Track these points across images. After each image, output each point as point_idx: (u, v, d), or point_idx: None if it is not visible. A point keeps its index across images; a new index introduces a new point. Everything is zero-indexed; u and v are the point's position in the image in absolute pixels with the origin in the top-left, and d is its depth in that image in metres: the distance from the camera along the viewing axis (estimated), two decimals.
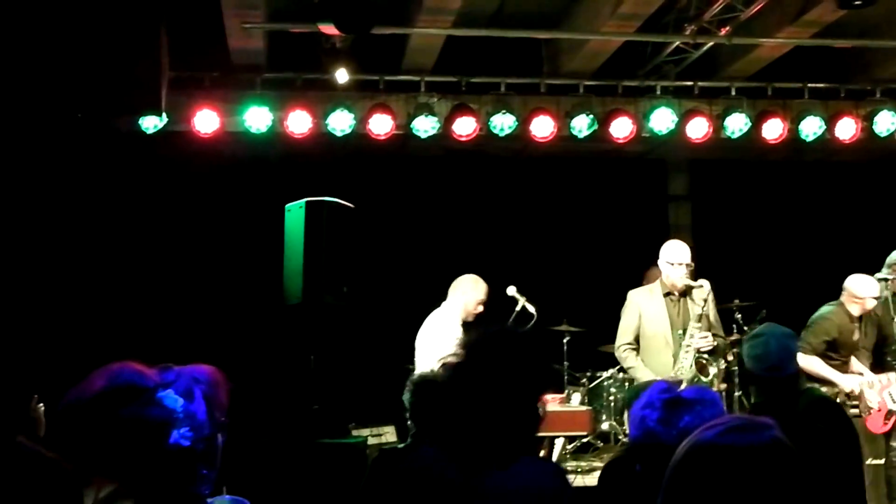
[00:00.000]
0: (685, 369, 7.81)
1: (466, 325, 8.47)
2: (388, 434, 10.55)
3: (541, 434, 8.52)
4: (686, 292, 8.13)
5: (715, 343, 7.96)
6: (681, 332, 8.00)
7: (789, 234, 12.29)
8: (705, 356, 7.87)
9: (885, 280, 8.65)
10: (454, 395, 3.11)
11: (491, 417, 3.03)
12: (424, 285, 9.08)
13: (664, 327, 8.09)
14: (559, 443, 9.50)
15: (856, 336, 8.49)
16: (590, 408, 9.94)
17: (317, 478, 7.74)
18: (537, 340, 3.17)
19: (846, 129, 10.91)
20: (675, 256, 8.19)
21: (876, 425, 8.55)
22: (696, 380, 7.75)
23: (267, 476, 7.70)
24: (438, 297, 8.71)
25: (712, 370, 7.93)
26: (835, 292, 8.70)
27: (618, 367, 10.33)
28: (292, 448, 7.99)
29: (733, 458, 2.13)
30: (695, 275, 8.13)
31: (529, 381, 3.08)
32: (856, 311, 8.50)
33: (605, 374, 10.36)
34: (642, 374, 8.01)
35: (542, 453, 9.02)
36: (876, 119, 10.93)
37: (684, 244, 8.25)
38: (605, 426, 10.29)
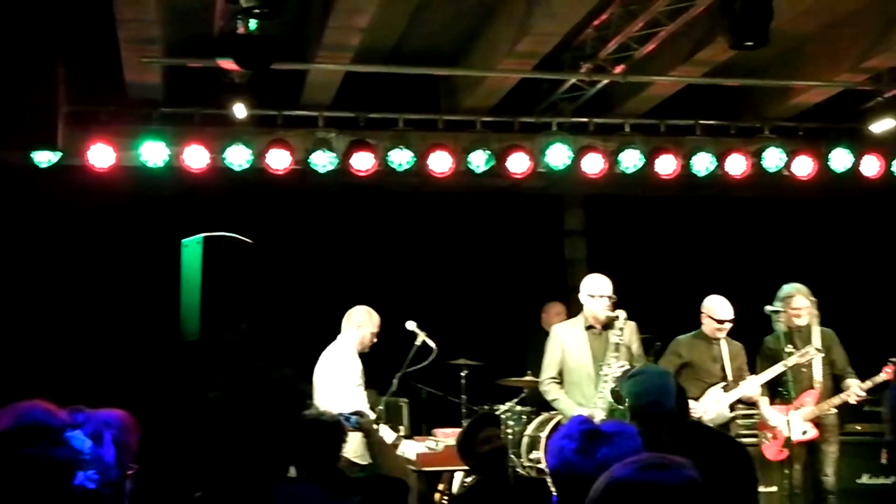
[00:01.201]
0: (604, 399, 7.90)
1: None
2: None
3: (440, 468, 8.61)
4: (608, 325, 8.22)
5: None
6: (601, 364, 8.10)
7: (682, 268, 12.49)
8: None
9: (776, 312, 8.87)
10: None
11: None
12: (324, 321, 9.05)
13: (587, 360, 8.18)
14: (458, 476, 9.52)
15: (715, 354, 8.69)
16: None
17: None
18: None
19: (736, 165, 11.15)
20: (596, 289, 8.29)
21: (773, 453, 8.75)
22: (613, 409, 7.84)
23: None
24: (338, 332, 8.71)
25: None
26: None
27: (515, 400, 10.41)
28: (192, 486, 7.88)
29: (650, 495, 2.15)
30: (614, 306, 8.23)
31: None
32: (709, 331, 8.68)
33: (504, 407, 10.40)
34: (566, 406, 8.08)
35: (441, 486, 9.04)
36: (764, 155, 11.19)
37: (605, 277, 8.35)
38: (535, 455, 10.31)
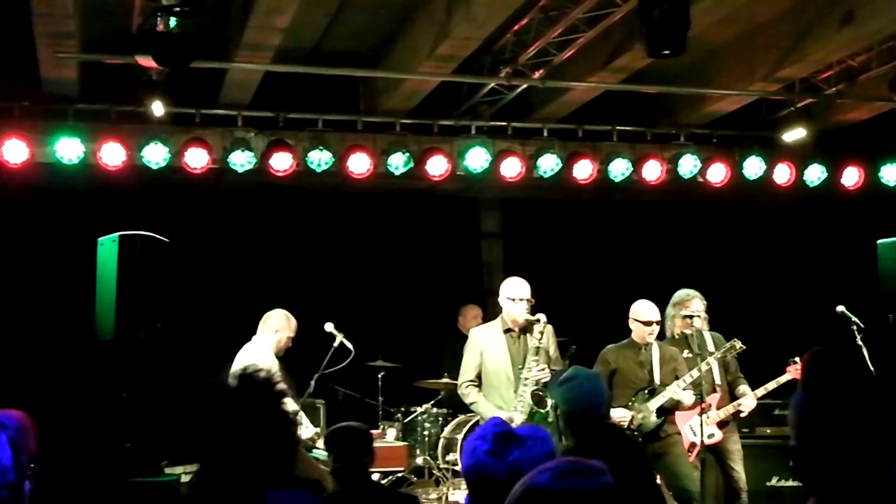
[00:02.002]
0: (524, 402, 7.93)
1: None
2: None
3: None
4: (526, 328, 8.26)
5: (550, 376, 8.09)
6: (521, 366, 8.13)
7: (598, 271, 12.63)
8: (542, 389, 8.01)
9: (669, 318, 8.99)
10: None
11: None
12: (241, 321, 9.00)
13: (505, 363, 8.18)
14: (374, 478, 9.51)
15: (643, 359, 8.66)
16: (405, 443, 10.01)
17: None
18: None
19: (652, 171, 11.29)
20: (516, 292, 8.30)
21: None
22: (533, 413, 7.88)
23: None
24: (254, 332, 8.68)
25: (549, 402, 8.05)
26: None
27: (432, 403, 10.45)
28: (104, 487, 7.82)
29: (567, 502, 2.16)
30: (534, 309, 8.26)
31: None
32: (638, 336, 8.77)
33: (420, 410, 10.43)
34: (485, 409, 8.08)
35: None
36: (680, 162, 11.35)
37: (524, 281, 8.35)
38: (419, 461, 10.34)
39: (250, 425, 3.06)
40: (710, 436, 8.90)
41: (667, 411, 8.56)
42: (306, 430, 8.60)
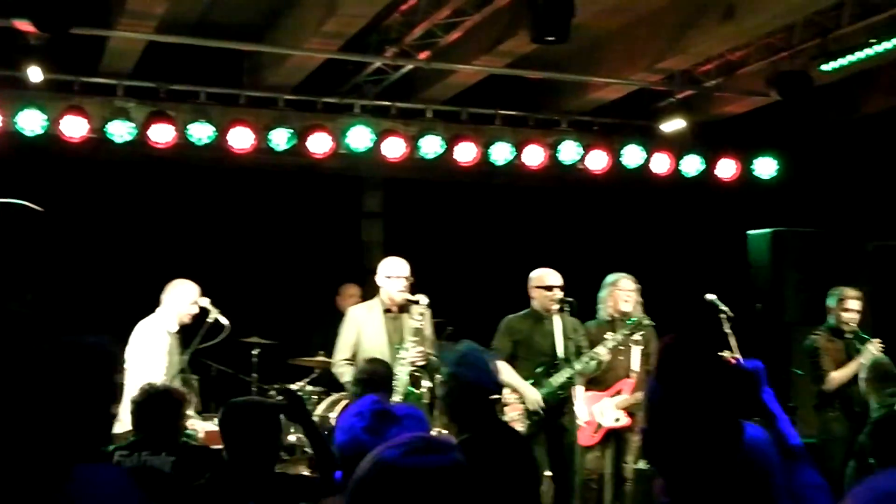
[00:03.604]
0: (400, 382, 7.94)
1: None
2: None
3: None
4: (404, 308, 8.26)
5: (427, 358, 8.14)
6: (398, 347, 8.14)
7: (477, 253, 12.70)
8: (419, 370, 8.04)
9: (602, 299, 9.07)
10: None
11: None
12: (116, 293, 8.88)
13: (382, 343, 8.19)
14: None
15: (548, 329, 8.64)
16: None
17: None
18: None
19: (534, 156, 11.40)
20: (394, 271, 8.32)
21: (585, 438, 8.92)
22: (409, 393, 7.91)
23: None
24: (128, 304, 8.56)
25: (425, 383, 8.10)
26: (511, 308, 9.06)
27: (307, 380, 10.41)
28: None
29: (414, 478, 2.17)
30: (413, 290, 8.27)
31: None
32: (540, 304, 8.76)
33: (294, 387, 10.38)
34: None
35: None
36: (561, 148, 11.47)
37: (403, 260, 8.37)
38: (292, 438, 10.30)
39: (60, 394, 3.01)
40: (616, 420, 9.01)
41: (568, 386, 8.57)
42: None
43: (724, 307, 9.06)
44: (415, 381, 8.02)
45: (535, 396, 8.45)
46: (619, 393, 9.06)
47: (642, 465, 8.71)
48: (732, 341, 8.86)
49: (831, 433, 9.07)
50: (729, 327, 8.96)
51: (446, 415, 5.41)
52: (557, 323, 8.62)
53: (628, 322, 8.89)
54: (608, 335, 8.76)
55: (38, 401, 3.00)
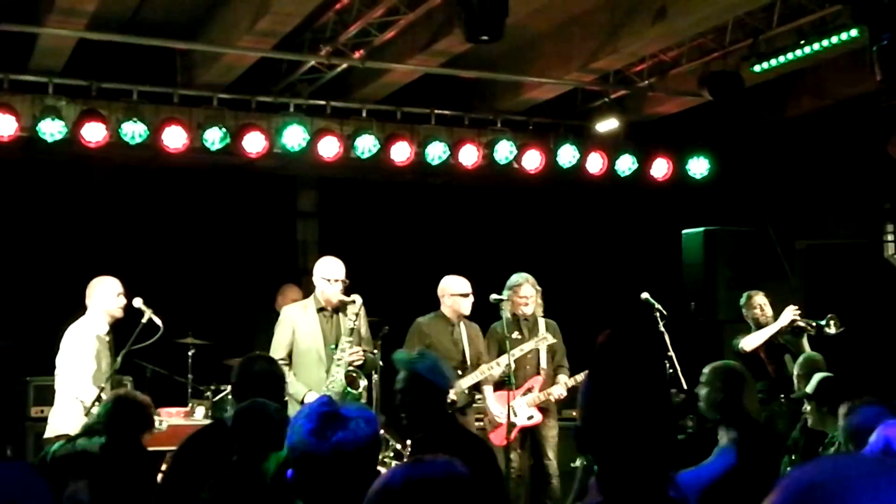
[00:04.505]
0: (337, 383, 7.95)
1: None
2: None
3: (164, 448, 8.48)
4: (339, 308, 8.26)
5: (364, 358, 8.16)
6: (333, 346, 8.14)
7: (413, 253, 12.71)
8: (355, 370, 8.04)
9: (501, 301, 9.15)
10: None
11: None
12: (48, 295, 8.78)
13: (317, 342, 8.19)
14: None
15: (455, 336, 8.99)
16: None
17: None
18: None
19: (469, 155, 11.41)
20: (331, 272, 8.31)
21: (499, 438, 9.00)
22: (346, 393, 7.91)
23: None
24: (60, 307, 8.46)
25: (362, 383, 8.13)
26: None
27: None
28: None
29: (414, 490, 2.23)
30: (348, 290, 8.28)
31: None
32: (451, 311, 8.97)
33: (230, 388, 10.32)
34: (295, 389, 8.03)
35: (164, 467, 8.90)
36: (496, 147, 11.49)
37: (339, 261, 8.38)
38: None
39: None
40: (530, 417, 9.14)
41: (476, 389, 8.95)
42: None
43: (658, 306, 9.16)
44: (351, 381, 8.02)
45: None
46: (530, 391, 9.23)
47: (578, 462, 8.79)
48: (666, 339, 8.97)
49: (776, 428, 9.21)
50: (663, 325, 9.07)
51: (403, 414, 5.46)
52: (464, 329, 9.04)
53: (533, 340, 9.19)
54: (516, 350, 9.00)
55: None
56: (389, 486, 2.25)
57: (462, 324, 9.05)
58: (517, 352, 8.97)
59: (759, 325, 9.59)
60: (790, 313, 9.41)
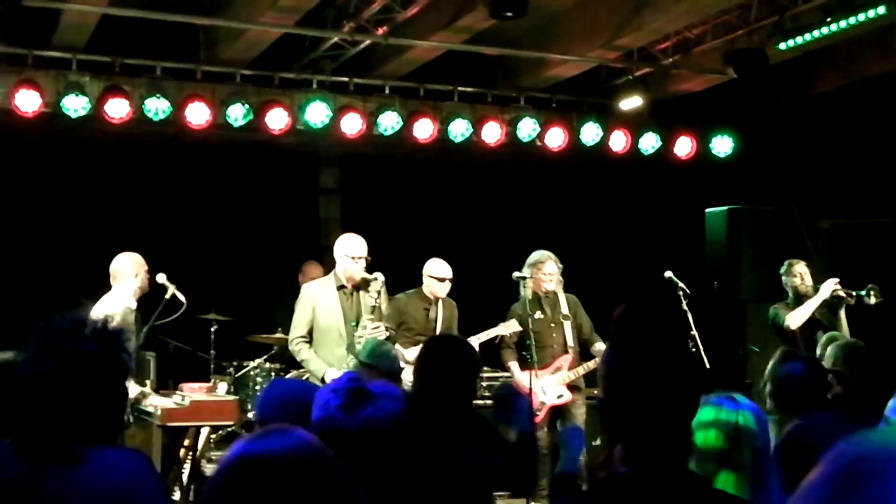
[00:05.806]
0: (357, 360, 7.96)
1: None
2: None
3: (186, 423, 8.52)
4: (359, 285, 8.27)
5: (387, 333, 8.17)
6: (354, 324, 8.15)
7: (434, 230, 12.69)
8: None
9: (524, 279, 9.14)
10: (22, 384, 3.03)
11: (54, 408, 2.97)
12: (71, 270, 8.81)
13: (338, 320, 8.19)
14: (204, 432, 9.44)
15: (431, 316, 9.06)
16: (236, 397, 9.92)
17: None
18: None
19: (491, 132, 11.37)
20: (354, 250, 8.30)
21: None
22: None
23: None
24: (84, 282, 8.47)
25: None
26: (465, 287, 9.16)
27: (265, 357, 10.39)
28: None
29: (256, 465, 2.14)
30: (370, 268, 8.29)
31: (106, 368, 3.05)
32: (430, 291, 9.05)
33: (252, 364, 10.37)
34: (316, 366, 8.06)
35: (186, 442, 8.95)
36: (519, 125, 11.45)
37: (361, 238, 8.38)
38: (251, 416, 10.28)
39: (78, 374, 2.99)
40: (560, 396, 9.13)
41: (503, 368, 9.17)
42: (133, 388, 8.45)
43: (681, 284, 9.13)
44: None
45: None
46: (559, 370, 9.20)
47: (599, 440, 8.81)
48: (689, 318, 8.94)
49: None
50: (686, 304, 9.03)
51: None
52: (440, 307, 9.11)
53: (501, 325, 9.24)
54: (482, 334, 9.11)
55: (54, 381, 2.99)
56: (225, 460, 2.15)
57: (440, 302, 9.09)
58: (491, 332, 9.06)
59: (798, 294, 9.45)
60: (831, 284, 9.30)
